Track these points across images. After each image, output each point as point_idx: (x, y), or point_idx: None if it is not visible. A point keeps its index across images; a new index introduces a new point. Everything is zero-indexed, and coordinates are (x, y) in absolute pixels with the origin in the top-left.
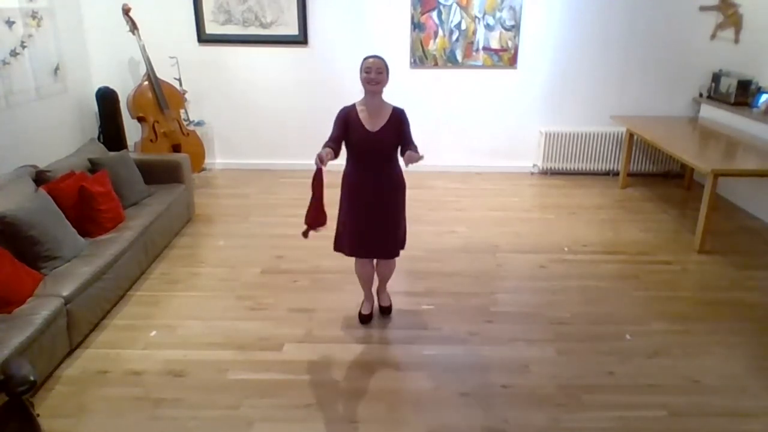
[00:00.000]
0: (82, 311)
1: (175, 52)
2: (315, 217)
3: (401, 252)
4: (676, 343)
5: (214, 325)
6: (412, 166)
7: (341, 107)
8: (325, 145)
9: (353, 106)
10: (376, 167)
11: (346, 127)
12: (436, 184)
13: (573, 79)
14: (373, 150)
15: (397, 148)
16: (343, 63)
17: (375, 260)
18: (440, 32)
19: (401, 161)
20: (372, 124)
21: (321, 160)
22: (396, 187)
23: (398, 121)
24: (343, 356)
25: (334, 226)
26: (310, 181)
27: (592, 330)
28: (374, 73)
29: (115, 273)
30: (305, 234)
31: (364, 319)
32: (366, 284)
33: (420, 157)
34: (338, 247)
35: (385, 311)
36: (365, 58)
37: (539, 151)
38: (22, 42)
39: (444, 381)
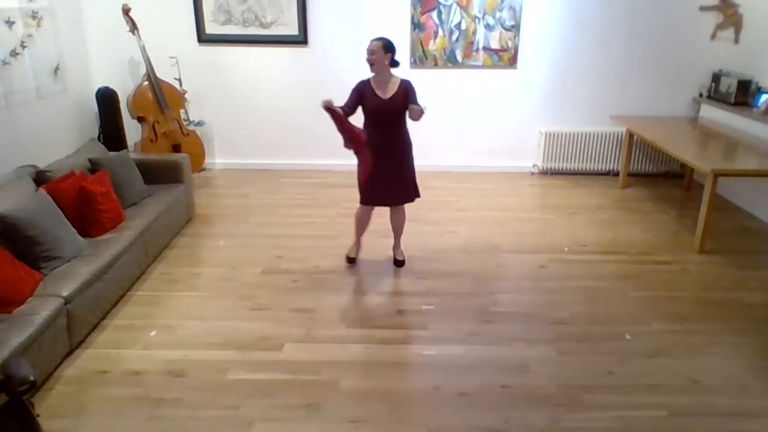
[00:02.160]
0: (82, 311)
1: (175, 52)
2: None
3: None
4: (676, 343)
5: (214, 325)
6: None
7: (358, 81)
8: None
9: (369, 79)
10: (388, 129)
11: (361, 97)
12: (436, 184)
13: (573, 79)
14: (385, 114)
15: (405, 113)
16: (343, 63)
17: (390, 210)
18: (440, 32)
19: (409, 123)
20: (384, 93)
21: (328, 103)
22: (404, 145)
23: (405, 90)
24: (343, 356)
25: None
26: (312, 180)
27: (592, 330)
28: (368, 55)
29: (115, 273)
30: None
31: (351, 261)
32: (360, 231)
33: (421, 109)
34: (366, 201)
35: (399, 264)
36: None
37: (539, 151)
38: (22, 42)
39: (444, 381)
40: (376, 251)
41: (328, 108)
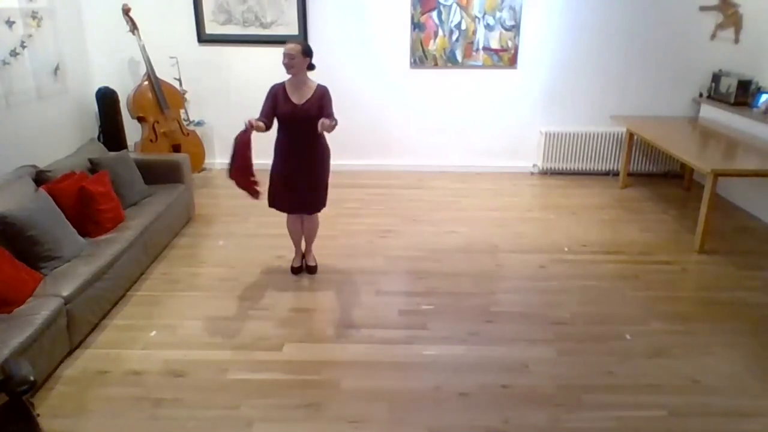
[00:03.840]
0: (82, 311)
1: (175, 52)
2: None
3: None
4: (676, 343)
5: (214, 325)
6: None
7: (272, 85)
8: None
9: (283, 83)
10: (302, 135)
11: (275, 102)
12: (436, 184)
13: (573, 79)
14: (298, 120)
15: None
16: (343, 63)
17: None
18: (440, 32)
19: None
20: (298, 98)
21: (250, 124)
22: (319, 152)
23: (321, 96)
24: (344, 356)
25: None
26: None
27: (592, 330)
28: (287, 59)
29: (115, 273)
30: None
31: (295, 271)
32: (296, 241)
33: (331, 124)
34: (272, 203)
35: (311, 270)
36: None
37: (539, 151)
38: (22, 42)
39: (444, 381)
40: (375, 251)
41: (249, 126)
